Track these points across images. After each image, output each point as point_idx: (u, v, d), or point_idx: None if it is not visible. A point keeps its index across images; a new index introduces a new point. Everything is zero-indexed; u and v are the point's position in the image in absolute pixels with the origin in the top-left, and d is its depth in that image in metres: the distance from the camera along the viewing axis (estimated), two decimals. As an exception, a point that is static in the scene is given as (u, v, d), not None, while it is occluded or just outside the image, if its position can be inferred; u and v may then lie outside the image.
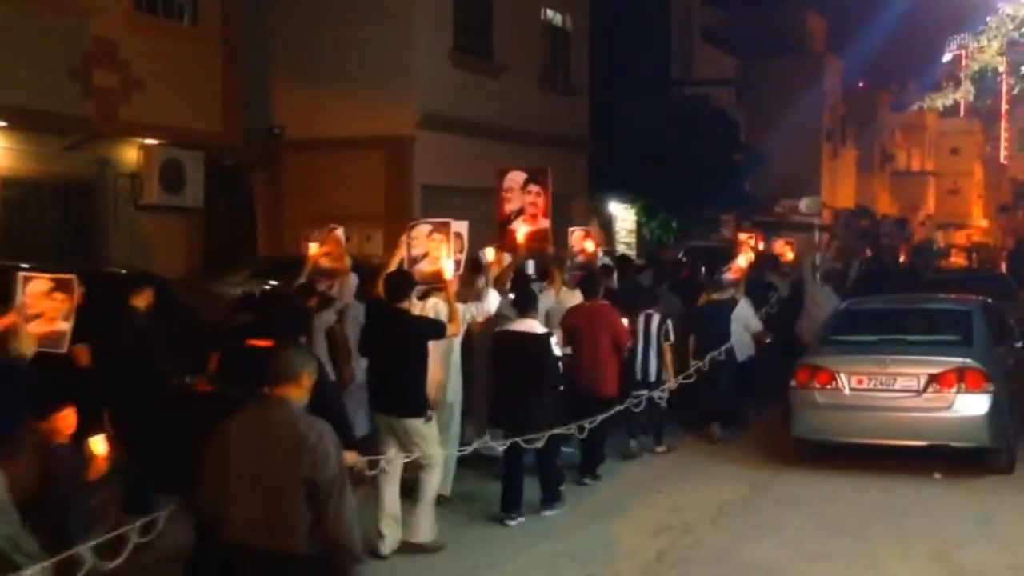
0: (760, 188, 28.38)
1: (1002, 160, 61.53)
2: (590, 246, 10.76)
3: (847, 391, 9.03)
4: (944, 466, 8.89)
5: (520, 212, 9.71)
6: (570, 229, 11.04)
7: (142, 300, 7.06)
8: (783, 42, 34.44)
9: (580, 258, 10.60)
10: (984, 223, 58.11)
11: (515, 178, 9.95)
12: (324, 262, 8.80)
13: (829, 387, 9.09)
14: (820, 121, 36.10)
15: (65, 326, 6.33)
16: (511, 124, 16.82)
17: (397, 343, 6.56)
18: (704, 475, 9.03)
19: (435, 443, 6.78)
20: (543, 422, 7.29)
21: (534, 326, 7.60)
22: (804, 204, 30.58)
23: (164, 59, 13.03)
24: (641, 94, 22.28)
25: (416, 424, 6.58)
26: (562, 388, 7.76)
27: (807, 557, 6.82)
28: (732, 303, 10.71)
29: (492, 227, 18.65)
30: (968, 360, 8.83)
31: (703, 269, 13.41)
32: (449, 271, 7.33)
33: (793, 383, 9.33)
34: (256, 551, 3.78)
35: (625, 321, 8.84)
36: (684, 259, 15.70)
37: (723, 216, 25.48)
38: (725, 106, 26.27)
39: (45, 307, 6.29)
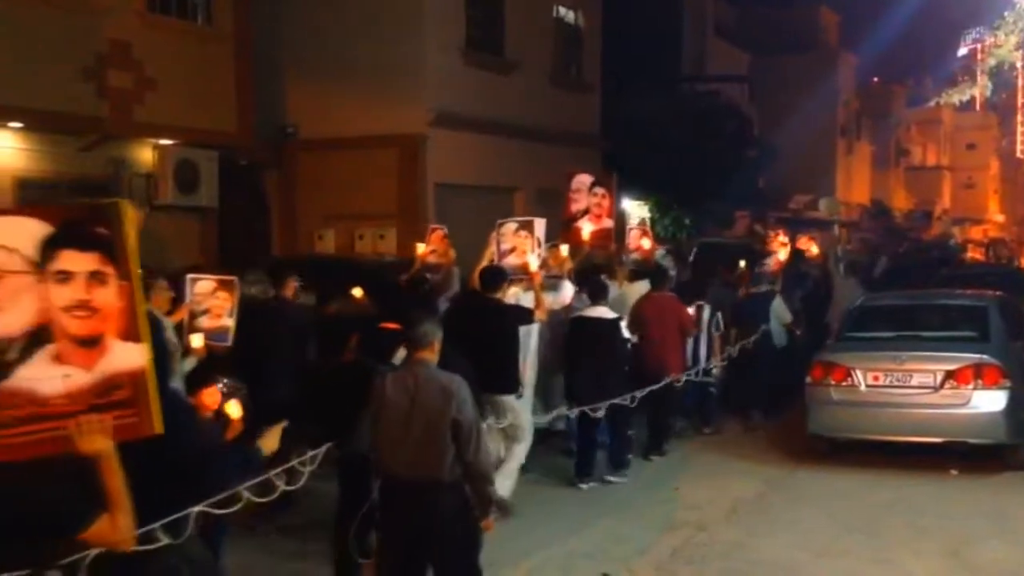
0: (773, 184, 28.28)
1: (1018, 154, 61.06)
2: (647, 243, 11.68)
3: (863, 388, 9.00)
4: (960, 463, 8.85)
5: (586, 212, 10.61)
6: (628, 227, 12.03)
7: (289, 289, 7.97)
8: (796, 37, 34.28)
9: (636, 255, 11.41)
10: (1000, 218, 57.70)
11: (582, 180, 10.82)
12: (431, 258, 9.77)
13: (845, 384, 9.07)
14: (834, 116, 35.93)
15: (229, 321, 7.03)
16: (523, 121, 16.82)
17: (492, 328, 7.24)
18: (719, 472, 9.01)
19: (525, 416, 7.64)
20: (615, 396, 8.23)
21: (605, 312, 8.52)
22: (823, 205, 31.15)
23: (178, 59, 13.08)
24: (653, 90, 22.22)
25: (509, 399, 7.36)
26: (627, 368, 8.74)
27: (822, 554, 6.81)
28: (770, 295, 11.27)
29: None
30: (985, 356, 8.79)
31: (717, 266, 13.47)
32: (534, 264, 8.12)
33: (809, 380, 9.32)
34: (407, 481, 4.61)
35: (691, 310, 9.86)
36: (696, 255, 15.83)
37: (736, 212, 25.41)
38: (738, 102, 26.19)
39: (211, 304, 7.03)
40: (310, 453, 5.23)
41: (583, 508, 7.89)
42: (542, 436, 8.75)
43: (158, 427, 3.21)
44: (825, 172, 34.96)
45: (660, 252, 12.00)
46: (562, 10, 18.84)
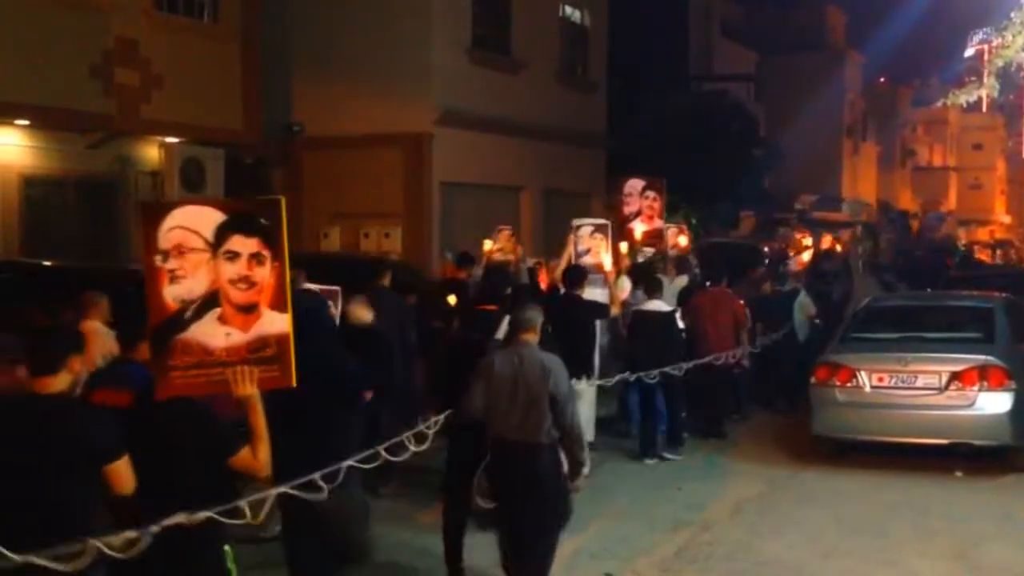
0: (779, 184, 28.27)
1: (1025, 155, 60.93)
2: (683, 240, 12.40)
3: (868, 389, 8.98)
4: (965, 464, 8.83)
5: (638, 214, 11.76)
6: (665, 226, 12.59)
7: (386, 279, 8.82)
8: (803, 37, 34.24)
9: (674, 251, 12.06)
10: (1007, 219, 57.55)
11: (634, 185, 12.01)
12: (497, 255, 10.65)
13: (849, 385, 9.05)
14: (840, 116, 35.89)
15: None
16: (529, 120, 16.83)
17: (574, 320, 7.91)
18: (723, 472, 9.01)
19: (587, 402, 8.38)
20: (673, 382, 9.06)
21: (662, 306, 9.42)
22: (847, 207, 31.83)
23: (184, 57, 13.11)
24: (659, 89, 22.22)
25: (581, 385, 7.85)
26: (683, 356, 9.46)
27: (826, 554, 6.80)
28: (794, 293, 11.90)
29: (510, 223, 18.72)
30: (990, 358, 8.77)
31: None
32: (608, 263, 9.21)
33: (813, 380, 9.30)
34: (511, 443, 5.43)
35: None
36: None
37: (742, 212, 25.41)
38: (744, 101, 26.17)
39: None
40: (433, 419, 5.92)
41: (587, 507, 7.86)
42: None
43: (293, 381, 3.98)
44: (831, 172, 34.93)
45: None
46: (568, 9, 18.84)
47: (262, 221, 3.95)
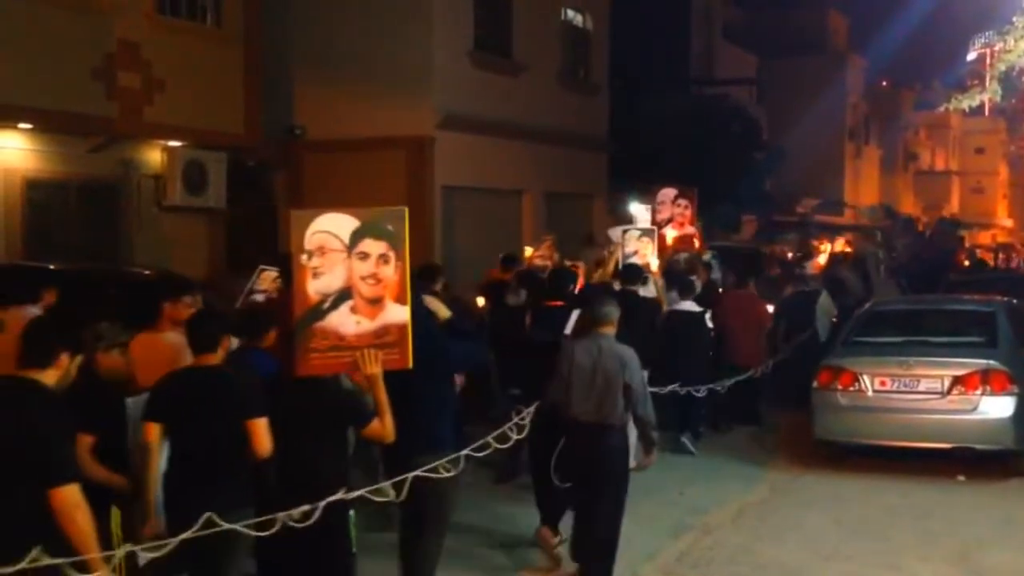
0: (781, 187, 28.27)
1: (1027, 159, 60.83)
2: (696, 243, 13.05)
3: (870, 393, 8.98)
4: (968, 468, 8.82)
5: (670, 220, 12.43)
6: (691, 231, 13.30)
7: (439, 284, 8.91)
8: (805, 40, 34.24)
9: (686, 254, 12.51)
10: (1009, 223, 57.47)
11: (667, 193, 12.72)
12: (537, 261, 11.19)
13: (852, 389, 9.04)
14: (843, 120, 35.87)
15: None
16: (531, 124, 16.83)
17: (631, 315, 8.13)
18: (725, 476, 9.00)
19: None
20: (701, 376, 9.41)
21: (693, 306, 9.98)
22: (867, 213, 32.41)
23: (187, 60, 13.11)
24: (661, 93, 22.23)
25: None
26: (711, 354, 10.24)
27: (827, 558, 6.80)
28: (815, 294, 12.26)
29: (512, 226, 18.71)
30: (993, 362, 8.76)
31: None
32: (654, 264, 10.22)
33: (815, 384, 9.29)
34: (588, 425, 6.00)
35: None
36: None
37: (743, 216, 25.40)
38: (746, 104, 26.17)
39: None
40: (526, 411, 6.39)
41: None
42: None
43: (410, 363, 4.72)
44: (833, 176, 34.93)
45: (708, 254, 13.39)
46: (570, 12, 18.84)
47: (389, 228, 4.72)
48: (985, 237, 49.70)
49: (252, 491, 4.53)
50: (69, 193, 12.37)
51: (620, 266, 9.92)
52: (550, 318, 7.22)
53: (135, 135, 12.71)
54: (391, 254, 4.67)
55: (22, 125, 11.47)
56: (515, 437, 6.17)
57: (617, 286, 9.22)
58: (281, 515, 4.18)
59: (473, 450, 5.40)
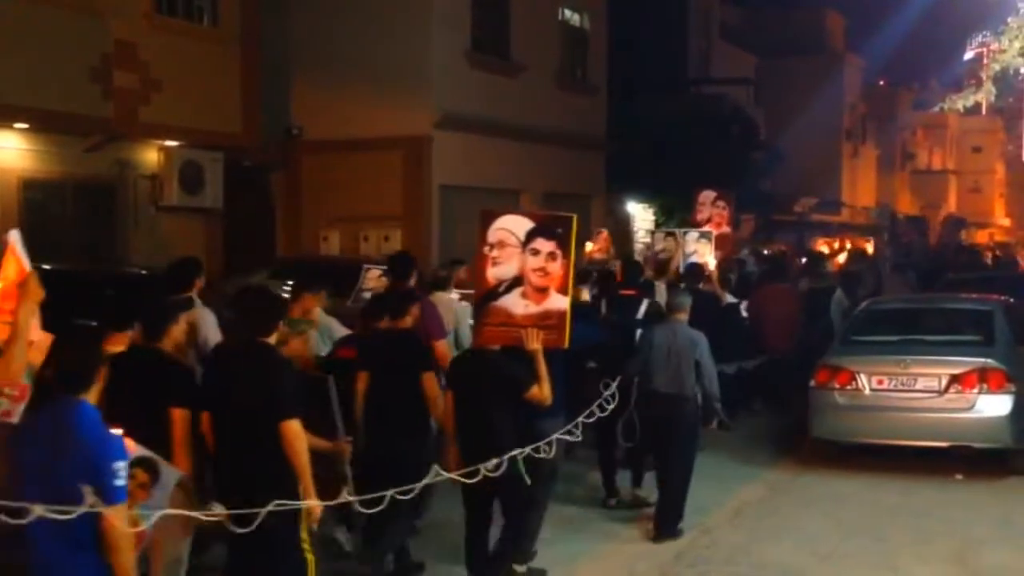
0: (779, 187, 28.26)
1: (1024, 158, 60.89)
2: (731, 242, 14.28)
3: (867, 392, 8.98)
4: (965, 467, 8.82)
5: (708, 220, 13.24)
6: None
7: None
8: (802, 40, 34.22)
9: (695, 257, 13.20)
10: (1007, 222, 57.52)
11: (707, 195, 13.66)
12: (597, 255, 12.28)
13: (849, 388, 9.04)
14: (840, 119, 35.87)
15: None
16: (528, 124, 16.83)
17: (699, 309, 8.90)
18: (723, 476, 8.99)
19: None
20: (735, 358, 10.33)
21: (729, 297, 11.06)
22: (875, 213, 34.91)
23: (183, 60, 13.10)
24: (659, 93, 22.21)
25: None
26: (746, 342, 11.08)
27: (825, 558, 6.79)
28: (831, 290, 12.66)
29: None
30: (990, 360, 8.76)
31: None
32: (712, 264, 11.41)
33: (813, 383, 9.28)
34: (664, 395, 7.18)
35: None
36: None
37: (742, 216, 25.41)
38: (743, 105, 26.16)
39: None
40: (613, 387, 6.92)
41: (586, 508, 7.88)
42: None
43: (566, 344, 5.68)
44: (831, 175, 34.92)
45: (744, 252, 14.57)
46: (567, 13, 18.84)
47: (558, 230, 5.62)
48: (983, 236, 49.76)
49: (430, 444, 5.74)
50: (65, 193, 12.36)
51: (681, 265, 11.21)
52: (624, 305, 8.28)
53: (132, 135, 12.70)
54: (558, 252, 5.59)
55: (18, 125, 11.46)
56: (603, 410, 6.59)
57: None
58: (482, 465, 4.69)
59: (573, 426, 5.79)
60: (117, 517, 3.45)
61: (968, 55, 13.19)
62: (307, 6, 15.85)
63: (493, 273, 5.61)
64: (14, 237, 4.09)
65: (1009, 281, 14.48)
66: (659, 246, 11.93)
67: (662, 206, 21.53)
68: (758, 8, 33.19)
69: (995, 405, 8.60)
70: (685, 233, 11.94)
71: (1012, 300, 10.58)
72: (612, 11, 19.97)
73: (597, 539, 7.21)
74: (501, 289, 5.60)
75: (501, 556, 5.81)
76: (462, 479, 4.68)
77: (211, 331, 6.24)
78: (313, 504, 4.50)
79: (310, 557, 4.84)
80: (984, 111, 48.54)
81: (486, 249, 5.62)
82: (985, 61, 12.87)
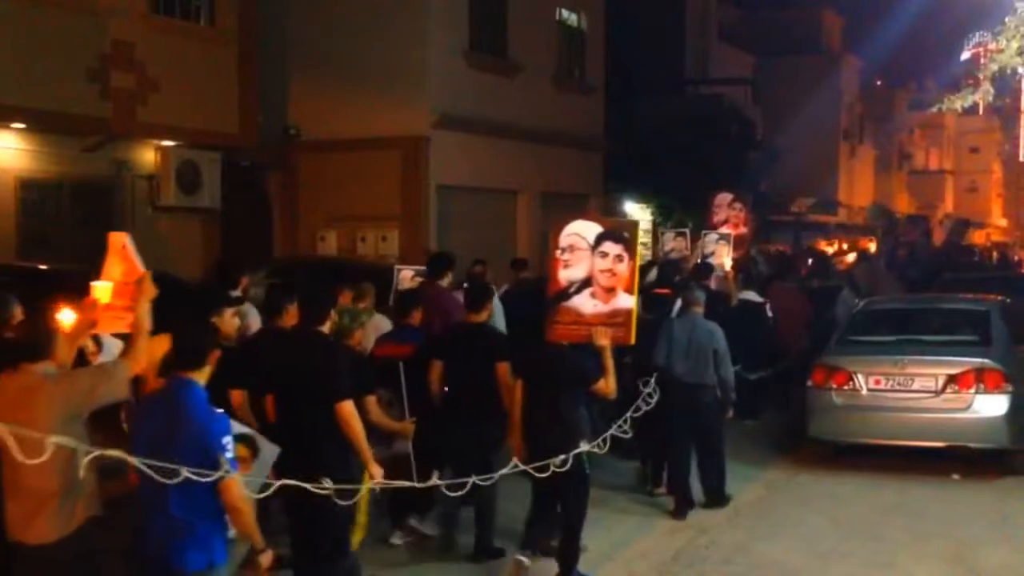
0: (776, 187, 28.28)
1: (1021, 159, 60.95)
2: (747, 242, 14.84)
3: (864, 392, 8.98)
4: (962, 467, 8.83)
5: (725, 221, 13.83)
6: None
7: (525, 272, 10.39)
8: (800, 40, 34.26)
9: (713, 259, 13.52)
10: (1003, 222, 57.62)
11: (724, 197, 14.36)
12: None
13: (846, 388, 9.04)
14: (837, 119, 35.90)
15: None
16: (526, 124, 16.83)
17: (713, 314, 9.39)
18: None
19: None
20: (763, 359, 10.85)
21: (754, 296, 11.40)
22: (871, 213, 35.45)
23: (181, 60, 13.09)
24: (656, 93, 22.24)
25: None
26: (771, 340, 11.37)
27: (823, 557, 6.80)
28: (838, 288, 13.36)
29: (508, 227, 18.67)
30: (987, 360, 8.77)
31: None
32: (728, 264, 11.84)
33: (810, 383, 9.29)
34: (685, 384, 7.71)
35: None
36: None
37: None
38: (741, 104, 26.18)
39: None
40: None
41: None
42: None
43: (633, 341, 6.17)
44: (828, 175, 34.94)
45: (753, 251, 14.87)
46: (565, 12, 18.84)
47: (624, 235, 6.14)
48: (979, 236, 49.84)
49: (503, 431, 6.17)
50: (63, 193, 12.35)
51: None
52: (660, 303, 8.79)
53: (129, 135, 12.70)
54: (625, 255, 6.05)
55: (16, 125, 11.45)
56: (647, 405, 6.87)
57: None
58: (552, 460, 5.18)
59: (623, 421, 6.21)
60: (236, 483, 3.93)
61: (965, 55, 13.23)
62: (304, 6, 15.84)
63: (564, 275, 6.10)
64: (127, 241, 4.71)
65: (1007, 281, 14.50)
66: (669, 246, 12.30)
67: (659, 206, 21.55)
68: (755, 8, 33.21)
69: (992, 405, 8.60)
70: (705, 235, 12.47)
71: (1009, 300, 10.59)
72: (610, 11, 19.97)
73: (594, 537, 7.20)
74: (572, 290, 6.06)
75: (568, 542, 6.12)
76: (534, 472, 5.16)
77: (255, 323, 6.84)
78: (375, 471, 5.15)
79: (362, 519, 5.85)
80: (981, 111, 48.59)
81: (558, 253, 6.13)
82: (982, 61, 12.91)
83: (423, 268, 9.11)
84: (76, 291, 6.93)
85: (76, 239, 12.26)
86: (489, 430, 6.39)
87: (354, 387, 5.21)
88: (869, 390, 8.97)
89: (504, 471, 4.87)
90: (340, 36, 15.46)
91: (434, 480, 4.86)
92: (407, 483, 4.68)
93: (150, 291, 4.41)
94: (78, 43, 11.81)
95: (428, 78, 15.24)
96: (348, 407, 5.09)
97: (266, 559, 4.12)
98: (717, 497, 7.92)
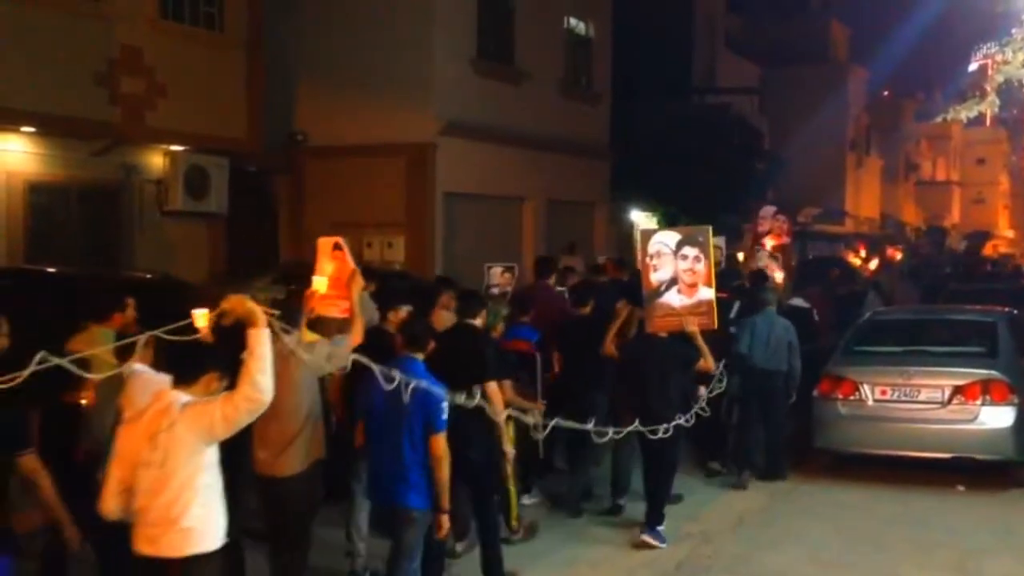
0: (782, 197, 28.25)
1: (1028, 170, 60.85)
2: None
3: (870, 402, 8.97)
4: (967, 478, 8.81)
5: (769, 232, 14.62)
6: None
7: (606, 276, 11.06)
8: (806, 50, 34.27)
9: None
10: (1010, 233, 57.49)
11: (768, 210, 15.24)
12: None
13: (852, 398, 9.03)
14: (844, 130, 35.89)
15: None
16: (533, 131, 16.84)
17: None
18: (724, 485, 8.98)
19: None
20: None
21: (802, 302, 12.48)
22: (888, 224, 35.55)
23: (189, 66, 13.13)
24: (663, 101, 22.24)
25: None
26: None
27: (826, 566, 6.79)
28: (863, 294, 14.48)
29: (513, 234, 18.66)
30: (993, 372, 8.76)
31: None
32: (779, 277, 12.51)
33: (816, 393, 9.28)
34: (763, 371, 8.97)
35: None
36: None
37: (744, 226, 25.41)
38: (747, 114, 26.19)
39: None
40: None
41: (586, 517, 7.87)
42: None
43: (715, 325, 7.45)
44: (835, 185, 34.94)
45: (762, 255, 15.06)
46: (572, 21, 18.87)
47: (699, 239, 7.36)
48: (987, 248, 49.69)
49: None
50: (71, 197, 12.38)
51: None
52: (720, 306, 9.22)
53: (137, 140, 12.73)
54: (701, 255, 7.31)
55: (25, 129, 11.48)
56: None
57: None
58: (660, 427, 6.79)
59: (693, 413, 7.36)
60: (443, 439, 5.18)
61: (972, 66, 13.28)
62: (312, 12, 15.88)
63: (654, 277, 7.32)
64: (341, 242, 5.68)
65: (1012, 293, 14.47)
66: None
67: (665, 214, 21.55)
68: (763, 18, 33.23)
69: (998, 417, 8.59)
70: (758, 251, 13.46)
71: (1016, 312, 10.57)
72: (617, 19, 19.99)
73: (597, 545, 7.20)
74: (662, 288, 7.28)
75: (656, 495, 7.32)
76: (648, 432, 6.72)
77: (374, 317, 7.23)
78: (508, 449, 6.55)
79: (512, 490, 6.94)
80: (988, 123, 48.57)
81: (648, 259, 7.35)
82: (989, 72, 12.93)
83: (511, 264, 10.77)
84: (77, 296, 6.91)
85: (84, 243, 12.29)
86: (600, 398, 7.91)
87: (496, 371, 6.23)
88: (875, 400, 8.96)
89: (629, 429, 6.67)
90: (347, 42, 15.49)
91: (618, 431, 6.49)
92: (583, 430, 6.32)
93: (359, 283, 5.60)
94: (87, 48, 11.85)
95: (435, 85, 15.26)
96: (493, 386, 6.11)
97: (445, 520, 5.23)
98: (778, 470, 9.06)
